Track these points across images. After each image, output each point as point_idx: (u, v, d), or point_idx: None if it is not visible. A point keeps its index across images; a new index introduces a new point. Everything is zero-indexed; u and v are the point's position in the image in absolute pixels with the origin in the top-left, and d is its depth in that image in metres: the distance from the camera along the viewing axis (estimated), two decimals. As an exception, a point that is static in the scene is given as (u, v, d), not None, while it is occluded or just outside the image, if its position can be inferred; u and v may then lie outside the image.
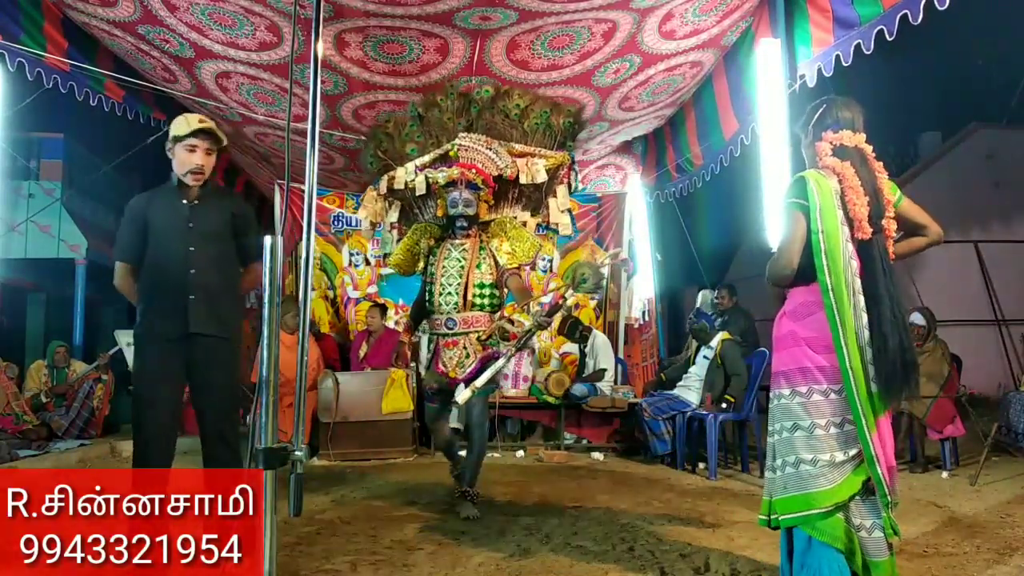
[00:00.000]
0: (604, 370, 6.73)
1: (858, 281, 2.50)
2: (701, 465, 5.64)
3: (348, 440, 6.14)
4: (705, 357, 5.82)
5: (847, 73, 4.42)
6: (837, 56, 4.29)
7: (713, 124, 5.88)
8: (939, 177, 11.48)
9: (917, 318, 5.75)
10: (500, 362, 3.85)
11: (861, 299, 2.49)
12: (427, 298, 4.17)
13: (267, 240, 2.02)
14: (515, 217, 4.43)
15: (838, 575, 2.46)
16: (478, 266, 4.09)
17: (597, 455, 6.33)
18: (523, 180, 4.28)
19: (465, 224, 4.13)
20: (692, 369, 5.94)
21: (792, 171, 4.18)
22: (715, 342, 5.75)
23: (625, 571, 3.13)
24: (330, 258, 7.93)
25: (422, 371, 4.40)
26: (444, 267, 4.11)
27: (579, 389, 6.50)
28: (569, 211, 4.60)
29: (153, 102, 5.93)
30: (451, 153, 4.28)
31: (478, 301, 4.06)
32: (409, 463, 6.01)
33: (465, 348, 4.04)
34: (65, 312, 10.58)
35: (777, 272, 2.60)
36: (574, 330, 7.06)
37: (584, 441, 6.68)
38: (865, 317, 2.48)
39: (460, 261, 4.10)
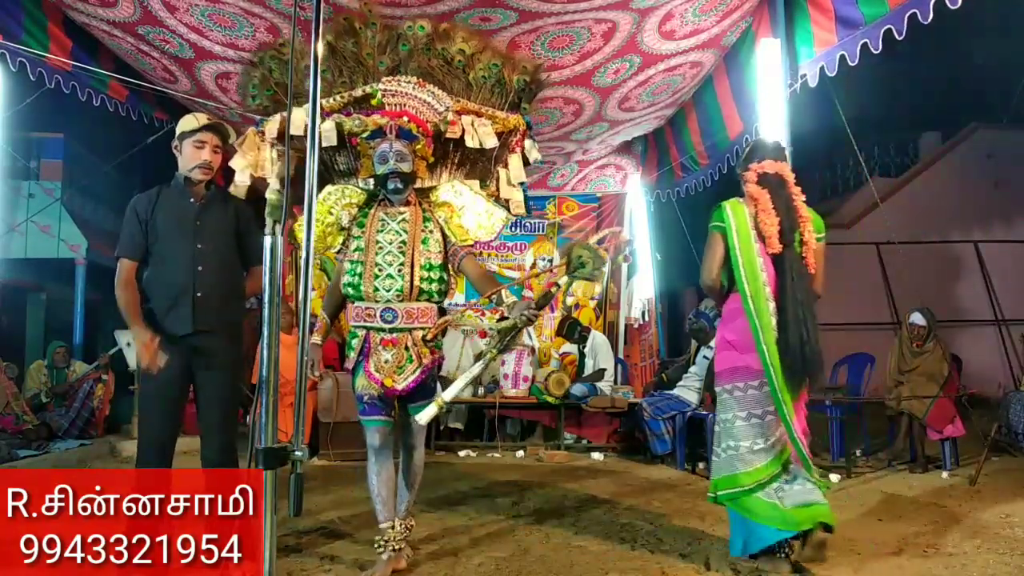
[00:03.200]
0: (604, 370, 6.73)
1: (768, 289, 3.03)
2: (701, 465, 5.64)
3: (348, 440, 6.12)
4: (705, 357, 5.82)
5: (848, 73, 4.41)
6: (842, 56, 4.28)
7: (717, 124, 5.87)
8: (939, 177, 11.47)
9: (917, 318, 5.76)
10: (477, 368, 3.11)
11: (772, 304, 3.03)
12: (353, 282, 3.19)
13: (267, 240, 2.01)
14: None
15: (773, 539, 2.95)
16: (423, 242, 3.20)
17: (597, 455, 6.33)
18: (469, 143, 3.41)
19: (400, 185, 3.19)
20: (692, 369, 5.95)
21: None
22: (715, 342, 5.75)
23: (625, 571, 3.14)
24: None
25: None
26: (379, 242, 3.19)
27: (579, 389, 6.50)
28: (522, 184, 3.71)
29: (155, 102, 5.93)
30: (374, 101, 3.42)
31: (425, 287, 3.16)
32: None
33: (407, 349, 3.15)
34: (65, 312, 10.57)
35: (703, 282, 3.25)
36: (573, 330, 7.08)
37: (584, 441, 6.68)
38: (774, 319, 3.01)
39: (400, 234, 3.20)
